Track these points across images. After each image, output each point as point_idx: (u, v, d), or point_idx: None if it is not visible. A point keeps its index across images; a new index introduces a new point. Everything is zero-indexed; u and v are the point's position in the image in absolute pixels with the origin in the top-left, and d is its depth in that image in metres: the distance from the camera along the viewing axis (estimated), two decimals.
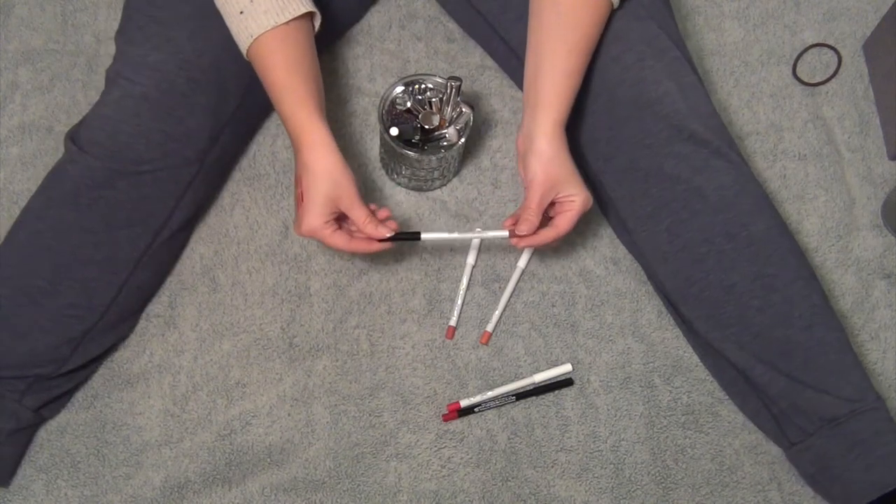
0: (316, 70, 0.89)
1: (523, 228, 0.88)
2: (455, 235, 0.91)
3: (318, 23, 0.89)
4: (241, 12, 0.84)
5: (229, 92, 0.95)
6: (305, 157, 0.86)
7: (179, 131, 0.91)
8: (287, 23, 0.84)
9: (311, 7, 0.86)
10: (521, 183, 0.93)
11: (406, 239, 0.90)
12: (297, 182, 0.88)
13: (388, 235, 0.88)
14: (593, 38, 0.89)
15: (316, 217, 0.86)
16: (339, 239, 0.87)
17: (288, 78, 0.86)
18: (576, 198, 0.88)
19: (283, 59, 0.85)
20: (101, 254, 0.90)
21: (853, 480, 0.86)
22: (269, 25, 0.83)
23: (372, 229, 0.87)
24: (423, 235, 0.90)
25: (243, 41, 0.85)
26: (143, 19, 0.91)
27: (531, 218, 0.88)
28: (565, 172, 0.88)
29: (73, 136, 0.91)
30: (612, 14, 0.91)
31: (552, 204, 0.90)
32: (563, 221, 0.89)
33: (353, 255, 0.96)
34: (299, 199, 0.87)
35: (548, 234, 0.89)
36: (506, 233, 0.90)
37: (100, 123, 0.90)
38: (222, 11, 0.86)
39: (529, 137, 0.88)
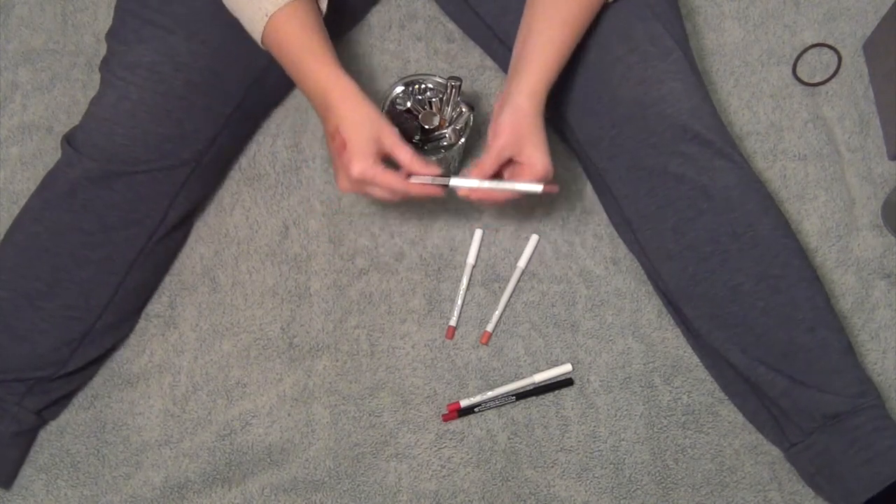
0: (330, 41, 0.88)
1: (473, 172, 0.86)
2: (486, 185, 0.86)
3: (324, 6, 0.88)
4: None
5: (227, 94, 0.95)
6: (340, 109, 0.83)
7: (176, 133, 0.91)
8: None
9: None
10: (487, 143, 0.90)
11: (441, 184, 0.87)
12: (332, 138, 0.85)
13: (438, 173, 0.85)
14: (588, 16, 0.89)
15: (365, 158, 0.82)
16: (391, 177, 0.84)
17: (308, 43, 0.84)
18: (536, 162, 0.85)
19: (299, 28, 0.84)
20: (97, 254, 0.90)
21: (854, 476, 0.86)
22: (283, 1, 0.83)
23: (420, 166, 0.85)
24: (452, 181, 0.87)
25: (258, 20, 0.84)
26: (136, 21, 0.91)
27: (485, 162, 0.85)
28: (534, 134, 0.85)
29: (69, 139, 0.91)
30: (609, 6, 0.92)
31: (511, 164, 0.87)
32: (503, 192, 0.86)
33: (394, 201, 0.90)
34: (339, 152, 0.84)
35: (492, 194, 0.87)
36: (539, 187, 0.85)
37: (96, 125, 0.90)
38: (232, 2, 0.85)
39: (507, 96, 0.86)
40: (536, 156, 0.85)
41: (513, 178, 0.87)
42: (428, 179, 0.86)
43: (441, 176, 0.86)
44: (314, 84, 0.85)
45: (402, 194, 0.86)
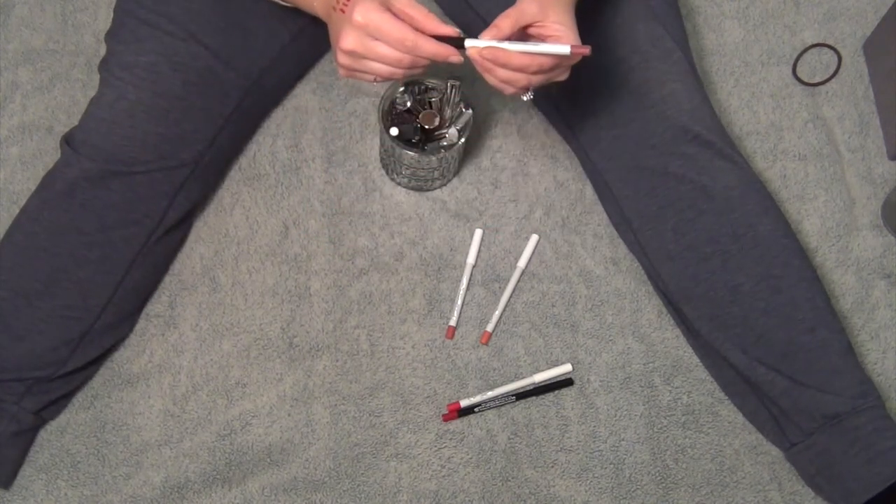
0: None
1: (486, 33, 0.75)
2: (507, 45, 0.75)
3: None
4: None
5: (226, 95, 0.95)
6: None
7: (175, 133, 0.91)
8: None
9: None
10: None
11: (456, 45, 0.76)
12: (335, 9, 0.76)
13: (456, 33, 0.75)
14: None
15: (370, 1, 0.73)
16: (391, 21, 0.73)
17: None
18: (563, 35, 0.75)
19: None
20: (95, 254, 0.90)
21: (854, 476, 0.86)
22: None
23: (436, 24, 0.75)
24: (467, 42, 0.76)
25: None
26: (134, 22, 0.91)
27: (502, 22, 0.75)
28: (560, 7, 0.75)
29: (67, 139, 0.91)
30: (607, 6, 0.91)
31: (531, 29, 0.76)
32: (527, 56, 0.75)
33: (397, 73, 0.78)
34: (343, 6, 0.75)
35: (513, 57, 0.75)
36: (566, 48, 0.73)
37: (94, 125, 0.90)
38: None
39: None
40: (563, 28, 0.75)
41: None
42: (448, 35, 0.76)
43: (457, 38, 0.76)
44: None
45: (410, 48, 0.74)
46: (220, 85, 0.94)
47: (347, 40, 0.75)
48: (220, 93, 0.94)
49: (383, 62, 0.75)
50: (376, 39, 0.74)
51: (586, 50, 0.74)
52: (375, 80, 0.79)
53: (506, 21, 0.75)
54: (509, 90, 0.79)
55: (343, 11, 0.75)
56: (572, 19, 0.76)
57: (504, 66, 0.75)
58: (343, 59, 0.76)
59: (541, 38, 0.76)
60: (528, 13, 0.75)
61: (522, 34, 0.77)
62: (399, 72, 0.77)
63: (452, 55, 0.75)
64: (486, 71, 0.77)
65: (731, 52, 1.15)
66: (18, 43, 1.13)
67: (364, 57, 0.75)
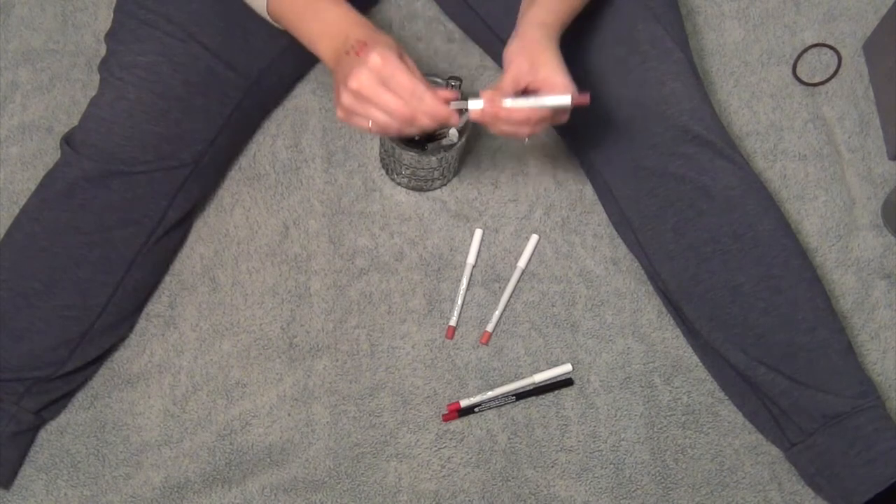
0: None
1: (488, 94, 0.78)
2: (510, 103, 0.77)
3: None
4: None
5: (226, 95, 0.95)
6: (365, 30, 0.78)
7: (174, 133, 0.91)
8: None
9: None
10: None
11: (460, 108, 0.79)
12: (348, 53, 0.77)
13: (457, 97, 0.78)
14: None
15: (389, 48, 0.76)
16: (405, 71, 0.75)
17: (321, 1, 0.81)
18: (558, 82, 0.77)
19: None
20: (95, 254, 0.90)
21: (854, 476, 0.86)
22: None
23: (437, 90, 0.77)
24: (471, 104, 0.79)
25: None
26: (134, 22, 0.91)
27: (501, 85, 0.78)
28: (548, 57, 0.78)
29: (67, 139, 0.91)
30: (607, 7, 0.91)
31: (528, 95, 0.79)
32: (531, 110, 0.78)
33: (393, 126, 0.79)
34: (359, 52, 0.76)
35: (515, 113, 0.78)
36: (567, 98, 0.77)
37: (94, 125, 0.90)
38: None
39: (514, 32, 0.81)
40: (554, 76, 0.78)
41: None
42: (459, 104, 0.79)
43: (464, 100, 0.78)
44: (329, 27, 0.79)
45: (417, 101, 0.76)
46: (219, 85, 0.94)
47: (359, 79, 0.75)
48: (220, 93, 0.94)
49: (385, 110, 0.76)
50: (385, 86, 0.76)
51: (586, 99, 0.78)
52: (370, 130, 0.79)
53: (507, 84, 0.78)
54: (515, 138, 0.81)
55: (358, 54, 0.76)
56: (560, 60, 0.79)
57: (507, 121, 0.79)
58: (347, 99, 0.77)
59: (537, 92, 0.78)
60: (521, 76, 0.78)
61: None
62: (394, 125, 0.78)
63: (452, 117, 0.78)
64: (490, 125, 0.80)
65: (731, 52, 1.15)
66: (18, 43, 1.13)
67: (369, 101, 0.76)
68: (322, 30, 0.80)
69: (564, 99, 0.77)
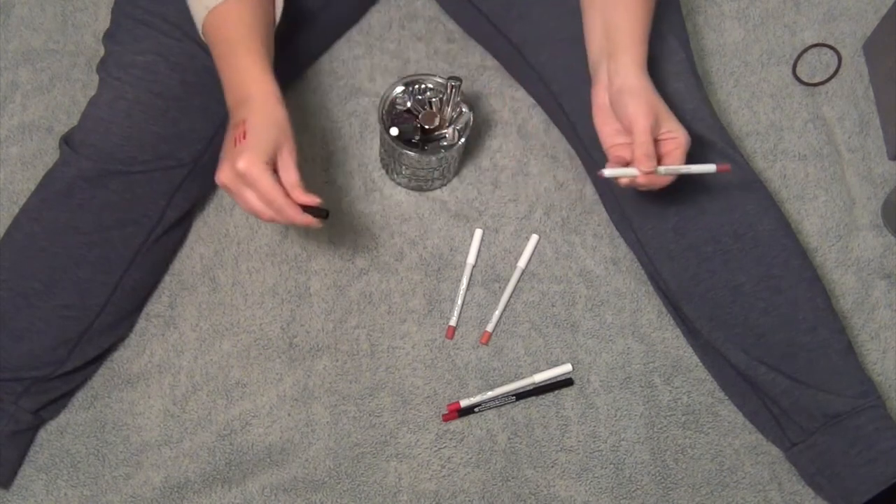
0: (272, 42, 0.86)
1: (647, 164, 0.79)
2: (663, 170, 0.80)
3: (279, 12, 0.86)
4: None
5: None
6: (255, 104, 0.80)
7: (172, 133, 0.91)
8: None
9: None
10: (603, 134, 0.84)
11: (317, 216, 0.82)
12: (234, 127, 0.80)
13: (318, 203, 0.81)
14: None
15: (257, 154, 0.78)
16: (272, 185, 0.78)
17: (244, 36, 0.82)
18: (677, 133, 0.81)
19: (238, 22, 0.82)
20: (94, 254, 0.90)
21: (855, 476, 0.86)
22: None
23: (300, 194, 0.80)
24: (626, 171, 0.80)
25: (198, 13, 0.83)
26: (131, 22, 0.91)
27: (649, 150, 0.79)
28: (664, 107, 0.82)
29: (66, 139, 0.92)
30: None
31: (656, 143, 0.82)
32: (673, 160, 0.81)
33: (264, 217, 0.82)
34: (236, 140, 0.79)
35: (662, 179, 0.81)
36: (713, 167, 0.82)
37: (92, 125, 0.90)
38: None
39: (616, 82, 0.82)
40: (674, 127, 0.81)
41: (663, 155, 0.82)
42: (620, 172, 0.81)
43: (320, 209, 0.81)
44: (237, 75, 0.82)
45: (275, 210, 0.80)
46: (217, 84, 0.93)
47: (225, 174, 0.79)
48: (218, 92, 0.94)
49: (248, 207, 0.80)
50: (251, 188, 0.79)
51: (727, 168, 0.82)
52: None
53: (648, 148, 0.79)
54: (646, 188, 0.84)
55: (235, 143, 0.79)
56: (669, 110, 0.82)
57: (653, 184, 0.81)
58: (223, 176, 0.79)
59: (663, 147, 0.82)
60: (654, 131, 0.80)
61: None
62: (263, 217, 0.81)
63: (313, 224, 0.81)
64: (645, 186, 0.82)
65: (731, 52, 1.15)
66: (18, 43, 1.13)
67: (237, 191, 0.80)
68: (229, 77, 0.82)
69: (710, 168, 0.81)
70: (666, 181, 0.82)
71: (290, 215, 0.79)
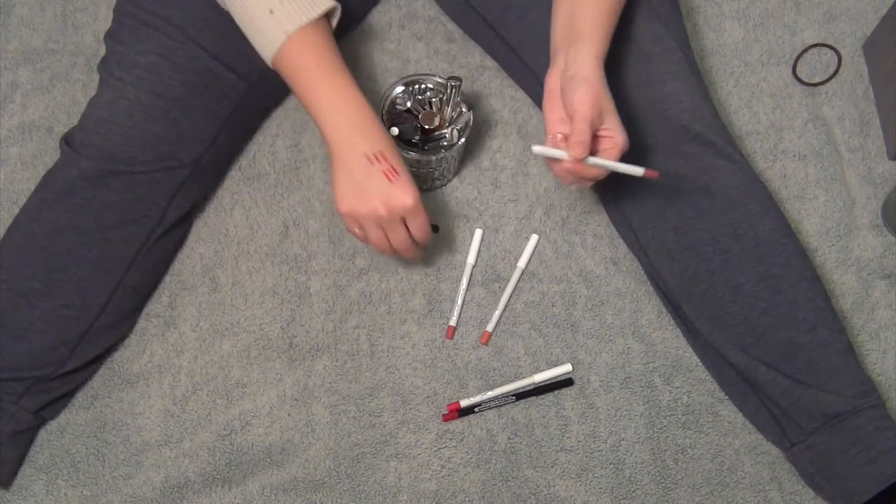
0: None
1: (578, 151, 0.79)
2: (592, 161, 0.81)
3: (335, 19, 0.87)
4: (272, 11, 0.81)
5: (225, 95, 0.95)
6: (381, 132, 0.84)
7: (173, 133, 0.91)
8: (317, 18, 0.83)
9: (334, 2, 0.84)
10: (548, 121, 0.84)
11: (434, 231, 0.87)
12: (373, 160, 0.83)
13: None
14: None
15: (415, 189, 0.84)
16: (425, 215, 0.86)
17: (334, 60, 0.84)
18: (616, 134, 0.81)
19: (324, 47, 0.83)
20: (94, 253, 0.90)
21: (855, 476, 0.86)
22: (303, 21, 0.81)
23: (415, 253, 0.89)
24: (544, 151, 0.81)
25: (275, 39, 0.82)
26: (134, 23, 0.91)
27: (585, 138, 0.79)
28: (611, 106, 0.82)
29: (67, 139, 0.91)
30: None
31: (595, 138, 0.82)
32: (607, 159, 0.82)
33: (387, 252, 0.90)
34: (389, 176, 0.83)
35: (589, 170, 0.82)
36: (640, 170, 0.81)
37: (93, 125, 0.90)
38: (244, 13, 0.83)
39: (571, 69, 0.81)
40: (617, 129, 0.82)
41: (597, 153, 0.82)
42: (549, 151, 0.81)
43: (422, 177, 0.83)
44: (342, 98, 0.83)
45: (411, 245, 0.88)
46: (219, 85, 0.94)
47: (380, 209, 0.83)
48: (220, 93, 0.94)
49: (396, 241, 0.87)
50: (401, 224, 0.85)
51: (655, 174, 0.81)
52: (359, 237, 0.88)
53: (585, 136, 0.79)
54: (572, 184, 0.85)
55: (390, 179, 0.83)
56: (616, 110, 0.82)
57: (578, 174, 0.82)
58: (380, 211, 0.83)
59: (599, 144, 0.82)
60: (594, 125, 0.80)
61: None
62: (387, 249, 0.88)
63: (413, 257, 0.95)
64: (557, 173, 0.83)
65: (731, 52, 1.15)
66: (18, 43, 1.13)
67: (380, 230, 0.86)
68: (331, 100, 0.83)
69: (637, 170, 0.81)
70: (591, 175, 0.82)
71: (414, 253, 0.89)
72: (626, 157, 0.83)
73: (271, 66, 0.85)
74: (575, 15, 0.84)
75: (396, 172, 0.83)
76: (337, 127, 0.83)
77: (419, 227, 0.86)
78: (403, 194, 0.83)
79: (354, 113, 0.83)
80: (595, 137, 0.81)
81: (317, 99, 0.83)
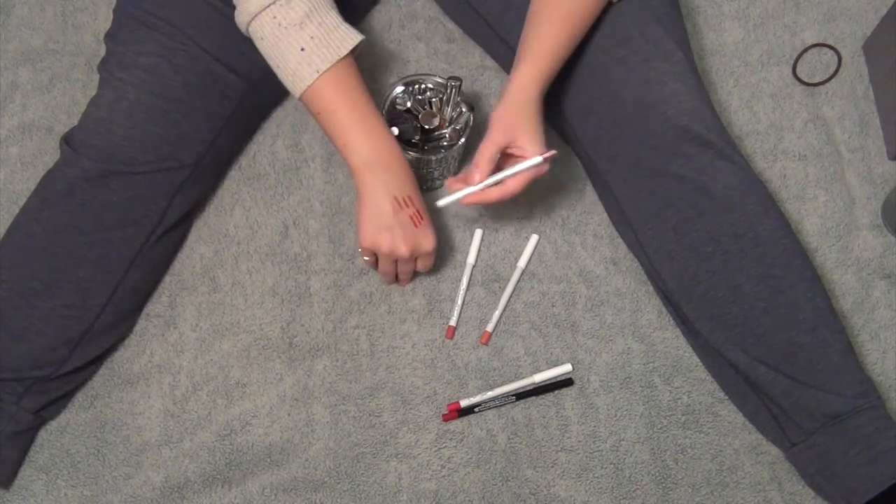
0: None
1: (475, 178, 0.86)
2: (492, 180, 0.87)
3: (359, 48, 0.88)
4: (303, 49, 0.83)
5: (226, 96, 0.95)
6: (411, 179, 0.88)
7: (174, 134, 0.91)
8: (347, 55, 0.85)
9: (361, 35, 0.86)
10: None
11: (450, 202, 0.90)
12: (403, 205, 0.87)
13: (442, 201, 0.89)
14: (590, 13, 0.90)
15: (436, 236, 0.91)
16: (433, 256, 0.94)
17: (365, 99, 0.87)
18: (526, 153, 0.86)
19: (353, 88, 0.86)
20: (94, 254, 0.90)
21: (855, 476, 0.86)
22: (334, 59, 0.83)
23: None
24: (440, 202, 0.88)
25: (307, 77, 0.83)
26: (134, 23, 0.91)
27: (481, 163, 0.86)
28: (526, 123, 0.86)
29: (67, 139, 0.91)
30: (610, 8, 0.92)
31: (505, 157, 0.89)
32: (511, 180, 0.87)
33: (392, 283, 1.01)
34: (415, 221, 0.88)
35: (491, 193, 0.88)
36: (538, 158, 0.86)
37: (93, 125, 0.90)
38: (276, 51, 0.84)
39: (504, 90, 0.87)
40: (528, 146, 0.86)
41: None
42: (451, 199, 0.88)
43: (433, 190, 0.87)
44: (382, 141, 0.86)
45: (412, 276, 0.99)
46: (219, 86, 0.94)
47: (404, 248, 0.89)
48: (220, 94, 0.94)
49: (402, 273, 0.97)
50: (413, 261, 0.93)
51: (555, 153, 0.87)
52: (372, 265, 0.96)
53: (482, 159, 0.86)
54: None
55: (416, 224, 0.88)
56: (537, 129, 0.87)
57: (487, 201, 0.88)
58: (403, 250, 0.89)
59: (513, 162, 0.87)
60: (499, 143, 0.86)
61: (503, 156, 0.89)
62: (392, 279, 0.99)
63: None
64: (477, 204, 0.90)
65: (731, 52, 1.15)
66: (18, 43, 1.13)
67: (395, 267, 0.94)
68: (362, 140, 0.86)
69: (536, 160, 0.86)
70: (492, 200, 0.88)
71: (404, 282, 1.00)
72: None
73: (299, 100, 0.87)
74: (525, 38, 0.89)
75: (421, 217, 0.88)
76: (368, 166, 0.86)
77: (428, 264, 0.94)
78: (426, 240, 0.90)
79: (385, 154, 0.86)
80: (505, 156, 0.88)
81: (346, 137, 0.86)
